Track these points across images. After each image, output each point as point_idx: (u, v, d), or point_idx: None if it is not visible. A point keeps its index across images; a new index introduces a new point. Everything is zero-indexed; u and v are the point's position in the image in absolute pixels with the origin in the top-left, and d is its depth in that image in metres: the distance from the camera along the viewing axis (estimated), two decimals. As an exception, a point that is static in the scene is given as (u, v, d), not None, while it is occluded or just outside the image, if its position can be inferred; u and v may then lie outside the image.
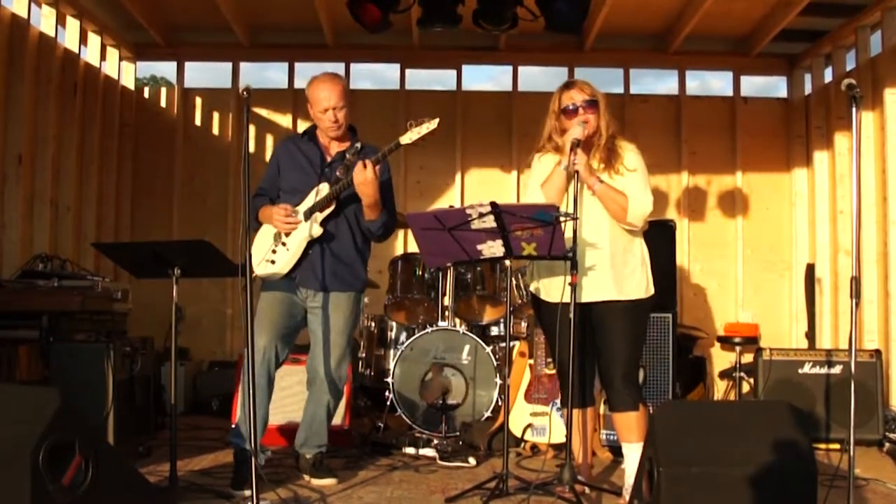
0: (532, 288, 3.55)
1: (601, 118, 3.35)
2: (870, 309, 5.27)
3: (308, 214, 3.56)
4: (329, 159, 3.68)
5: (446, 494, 3.44)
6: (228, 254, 3.46)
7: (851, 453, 2.77)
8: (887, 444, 4.51)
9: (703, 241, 6.45)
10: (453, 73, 6.58)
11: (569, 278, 3.17)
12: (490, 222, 3.17)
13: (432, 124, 3.44)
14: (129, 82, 6.49)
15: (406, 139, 3.47)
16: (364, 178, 3.43)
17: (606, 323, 3.34)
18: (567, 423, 3.30)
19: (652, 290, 3.40)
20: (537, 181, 3.41)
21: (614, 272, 3.31)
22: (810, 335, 6.14)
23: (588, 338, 3.37)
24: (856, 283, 2.86)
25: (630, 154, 3.37)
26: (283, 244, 3.59)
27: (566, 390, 3.34)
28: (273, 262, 3.58)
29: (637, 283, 3.36)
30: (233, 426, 4.23)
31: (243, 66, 6.59)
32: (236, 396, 4.40)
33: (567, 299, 3.17)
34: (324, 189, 3.57)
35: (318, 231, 3.56)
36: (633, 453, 3.25)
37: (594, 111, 3.34)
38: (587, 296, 3.29)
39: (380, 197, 3.54)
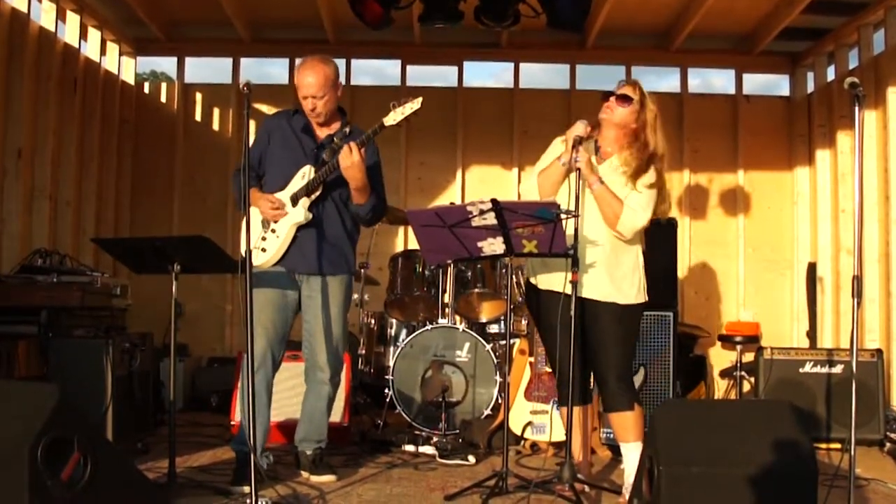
0: (527, 277, 3.54)
1: (638, 120, 3.32)
2: (871, 308, 5.26)
3: (295, 199, 3.55)
4: (318, 141, 3.66)
5: (446, 492, 3.43)
6: (228, 250, 3.45)
7: (852, 453, 2.76)
8: (888, 444, 4.50)
9: (704, 239, 6.44)
10: (454, 69, 6.56)
11: (569, 275, 3.17)
12: (491, 219, 3.16)
13: (416, 104, 3.42)
14: (129, 77, 6.48)
15: (390, 120, 3.45)
16: (350, 161, 3.41)
17: (598, 324, 3.33)
18: (567, 421, 3.29)
19: (644, 298, 3.39)
20: (539, 166, 3.41)
21: (608, 272, 3.31)
22: (811, 334, 6.13)
23: (585, 335, 3.37)
24: (857, 282, 2.85)
25: (649, 177, 3.31)
26: (273, 231, 3.58)
27: (564, 388, 3.34)
28: (264, 249, 3.57)
29: (629, 287, 3.35)
30: (233, 431, 4.24)
31: (244, 61, 6.58)
32: (235, 393, 4.39)
33: (566, 291, 3.18)
34: (309, 172, 3.56)
35: (307, 216, 3.55)
36: (630, 453, 3.25)
37: (623, 104, 3.32)
38: (584, 291, 3.29)
39: (368, 181, 3.51)
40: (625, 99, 3.33)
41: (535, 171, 3.47)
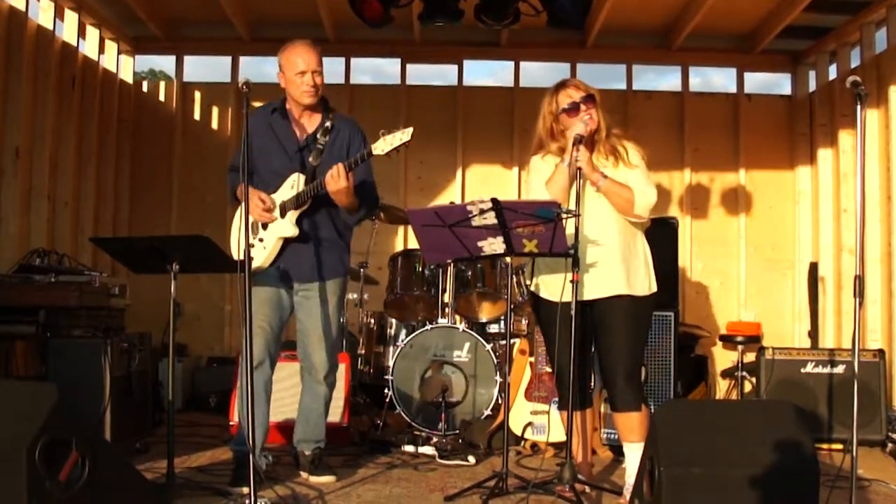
0: (532, 286, 3.52)
1: (599, 113, 3.33)
2: (873, 308, 5.24)
3: (283, 210, 3.51)
4: (302, 137, 3.57)
5: (445, 493, 3.42)
6: (226, 249, 3.43)
7: (854, 454, 2.75)
8: (890, 445, 4.48)
9: (705, 238, 6.43)
10: (454, 68, 6.53)
11: (570, 276, 3.15)
12: (491, 219, 3.14)
13: (405, 135, 3.31)
14: (127, 76, 6.46)
15: (378, 150, 3.34)
16: (337, 187, 3.35)
17: (609, 320, 3.31)
18: (567, 421, 3.27)
19: (655, 287, 3.38)
20: (541, 180, 3.38)
21: (624, 266, 3.29)
22: (813, 334, 6.11)
23: (587, 338, 3.35)
24: (859, 282, 2.83)
25: (632, 151, 3.37)
26: (260, 239, 3.55)
27: (564, 390, 3.32)
28: (251, 257, 3.54)
29: (641, 280, 3.34)
30: (232, 431, 4.23)
31: (243, 60, 6.57)
32: (234, 393, 4.37)
33: (567, 297, 3.15)
34: (299, 182, 3.50)
35: (294, 231, 3.50)
36: (634, 453, 3.22)
37: (594, 106, 3.32)
38: (591, 293, 3.27)
39: (355, 198, 3.47)
40: (591, 99, 3.33)
41: (535, 185, 3.42)
